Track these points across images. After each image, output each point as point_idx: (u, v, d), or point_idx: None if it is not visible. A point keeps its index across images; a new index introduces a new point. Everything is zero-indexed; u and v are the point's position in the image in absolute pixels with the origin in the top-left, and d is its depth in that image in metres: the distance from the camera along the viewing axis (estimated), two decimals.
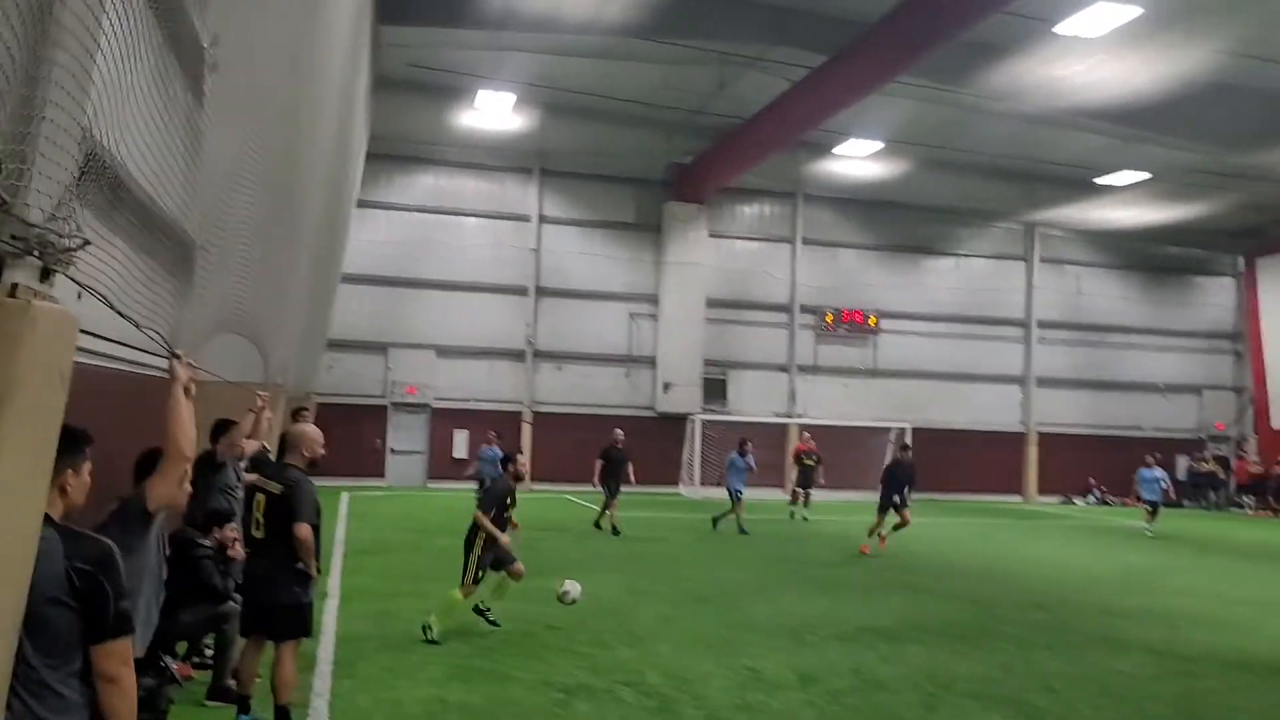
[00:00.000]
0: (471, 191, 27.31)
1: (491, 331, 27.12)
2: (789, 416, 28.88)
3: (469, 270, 26.98)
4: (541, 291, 27.54)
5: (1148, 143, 23.18)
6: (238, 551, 6.66)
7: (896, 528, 15.84)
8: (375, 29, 17.11)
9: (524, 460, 9.45)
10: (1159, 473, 21.39)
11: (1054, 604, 11.90)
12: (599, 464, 17.52)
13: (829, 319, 29.40)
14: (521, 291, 27.38)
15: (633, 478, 17.82)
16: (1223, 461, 31.63)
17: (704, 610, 10.46)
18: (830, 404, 29.17)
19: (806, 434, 23.94)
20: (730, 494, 18.00)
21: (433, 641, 8.32)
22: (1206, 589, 13.51)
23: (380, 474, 25.98)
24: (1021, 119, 22.85)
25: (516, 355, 27.37)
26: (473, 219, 27.28)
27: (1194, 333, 32.79)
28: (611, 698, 7.09)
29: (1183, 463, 31.13)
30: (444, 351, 26.78)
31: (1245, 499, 30.37)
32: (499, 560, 8.94)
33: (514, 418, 27.16)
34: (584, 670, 7.75)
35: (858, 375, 29.92)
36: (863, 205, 29.78)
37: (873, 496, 16.76)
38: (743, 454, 18.14)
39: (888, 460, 16.30)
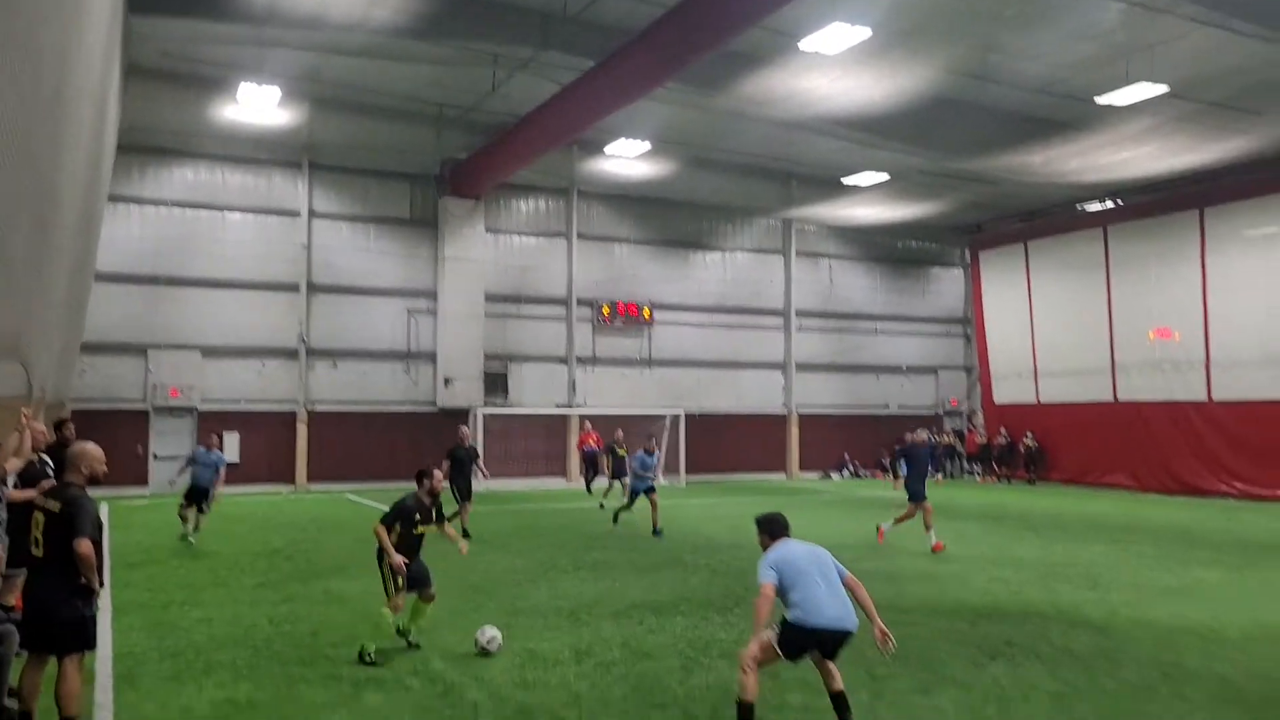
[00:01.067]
0: (235, 186, 26.30)
1: (261, 330, 26.32)
2: (570, 407, 29.73)
3: (235, 267, 26.02)
4: (314, 288, 26.95)
5: (883, 149, 25.55)
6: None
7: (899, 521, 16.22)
8: (126, 18, 16.31)
9: (440, 476, 8.98)
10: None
11: None
12: (445, 464, 16.22)
13: (605, 311, 30.45)
14: (293, 288, 26.69)
15: (484, 473, 17.82)
16: (959, 434, 35.24)
17: (487, 600, 10.98)
18: (609, 394, 30.26)
19: (589, 424, 24.75)
20: (633, 492, 17.76)
21: (372, 663, 8.01)
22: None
23: (143, 481, 24.69)
24: (775, 124, 24.56)
25: (289, 354, 26.67)
26: (237, 214, 26.30)
27: (930, 318, 36.29)
28: (399, 686, 7.50)
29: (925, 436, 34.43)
30: (210, 352, 25.75)
31: (975, 467, 33.99)
32: (414, 580, 8.64)
33: (288, 417, 26.53)
34: (371, 665, 8.08)
35: (634, 365, 31.18)
36: (635, 201, 31.02)
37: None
38: (649, 453, 17.97)
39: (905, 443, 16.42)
